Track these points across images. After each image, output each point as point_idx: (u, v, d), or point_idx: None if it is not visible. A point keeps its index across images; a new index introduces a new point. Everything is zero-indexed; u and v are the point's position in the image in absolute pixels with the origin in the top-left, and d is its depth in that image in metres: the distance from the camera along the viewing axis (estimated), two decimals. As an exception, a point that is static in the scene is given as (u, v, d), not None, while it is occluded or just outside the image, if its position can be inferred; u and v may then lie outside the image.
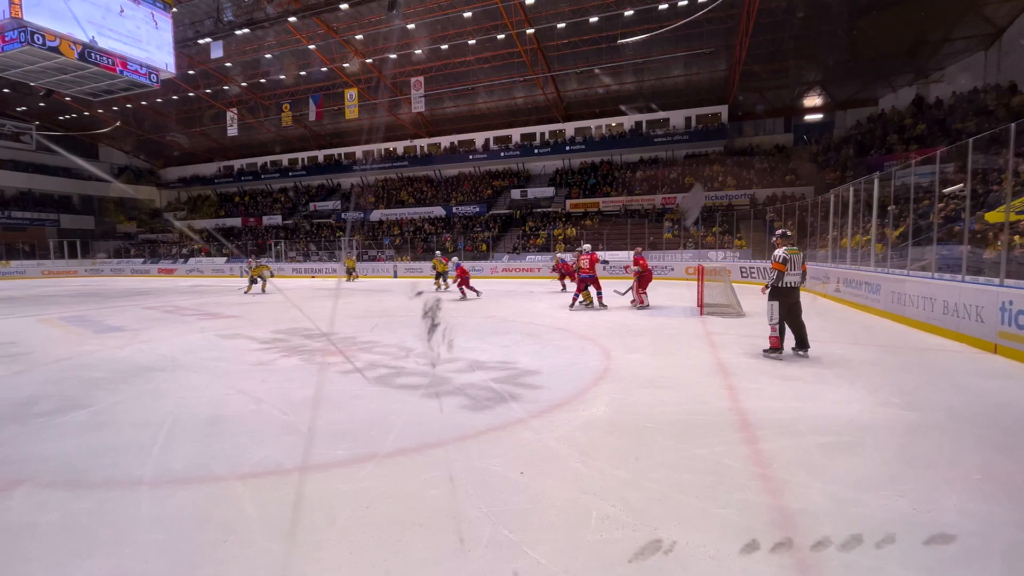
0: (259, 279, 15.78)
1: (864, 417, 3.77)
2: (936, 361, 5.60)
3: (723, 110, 27.54)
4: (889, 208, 10.27)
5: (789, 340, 5.85)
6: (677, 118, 28.63)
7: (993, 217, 9.36)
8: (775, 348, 5.70)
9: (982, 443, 3.27)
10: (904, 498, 2.55)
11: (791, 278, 5.67)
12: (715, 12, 19.35)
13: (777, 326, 5.68)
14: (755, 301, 11.24)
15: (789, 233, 5.94)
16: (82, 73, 13.86)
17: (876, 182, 10.02)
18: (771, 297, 5.73)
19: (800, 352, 5.76)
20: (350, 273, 22.95)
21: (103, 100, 18.31)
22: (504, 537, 2.24)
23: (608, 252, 21.79)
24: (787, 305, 5.69)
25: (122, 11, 13.82)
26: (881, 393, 4.34)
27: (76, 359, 6.24)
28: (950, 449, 3.20)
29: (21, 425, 3.85)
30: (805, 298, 12.36)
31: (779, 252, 5.68)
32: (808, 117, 27.73)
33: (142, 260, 33.93)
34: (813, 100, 27.17)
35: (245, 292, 15.48)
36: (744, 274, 18.04)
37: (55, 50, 12.41)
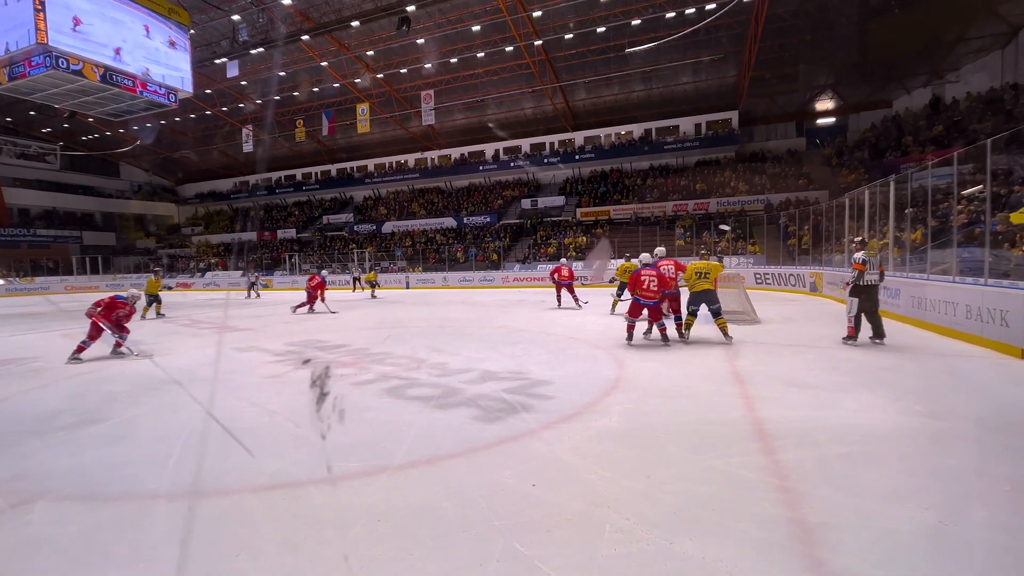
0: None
1: (886, 426, 3.66)
2: (960, 367, 5.44)
3: (733, 116, 27.41)
4: (906, 211, 10.07)
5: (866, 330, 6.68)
6: (687, 125, 28.54)
7: (1017, 218, 9.13)
8: (851, 336, 6.64)
9: (1012, 453, 3.16)
10: (930, 511, 2.46)
11: (870, 277, 6.50)
12: (723, 19, 19.30)
13: (854, 318, 6.59)
14: (770, 308, 11.08)
15: (867, 240, 6.82)
16: (104, 94, 14.32)
17: (892, 185, 9.84)
18: (852, 293, 6.54)
19: (877, 341, 6.58)
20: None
21: (124, 120, 18.88)
22: (517, 551, 2.21)
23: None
24: (868, 301, 6.55)
25: (145, 33, 14.27)
26: (903, 401, 4.23)
27: (97, 373, 6.35)
28: (978, 460, 3.09)
29: (42, 438, 3.92)
30: (824, 304, 12.16)
31: (859, 255, 6.58)
32: (820, 121, 27.44)
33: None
34: (825, 103, 26.90)
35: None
36: (759, 280, 17.74)
37: (79, 73, 12.84)
